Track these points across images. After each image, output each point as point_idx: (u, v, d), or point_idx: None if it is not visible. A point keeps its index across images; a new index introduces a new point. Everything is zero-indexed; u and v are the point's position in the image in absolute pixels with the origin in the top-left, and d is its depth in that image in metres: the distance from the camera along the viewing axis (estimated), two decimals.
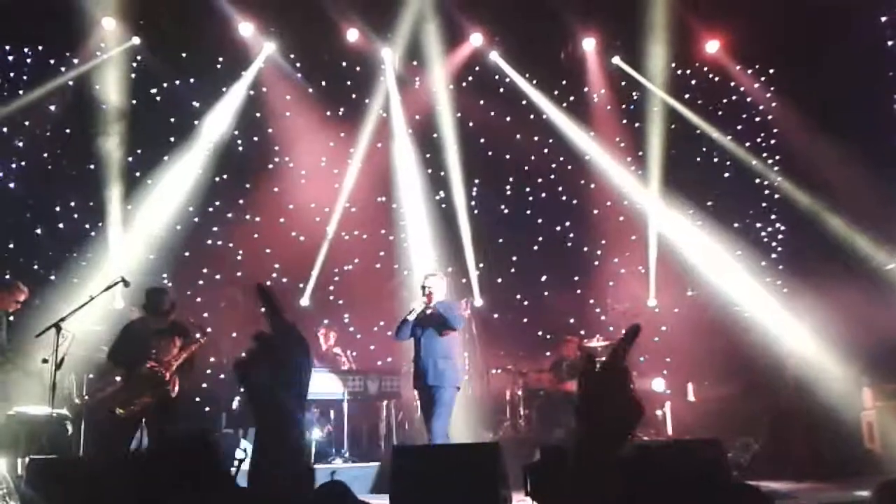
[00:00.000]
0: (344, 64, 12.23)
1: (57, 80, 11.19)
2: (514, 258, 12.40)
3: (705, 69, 12.70)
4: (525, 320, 12.08)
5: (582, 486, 1.46)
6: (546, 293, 12.36)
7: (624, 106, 12.74)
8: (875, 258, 10.74)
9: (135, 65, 11.54)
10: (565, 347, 10.52)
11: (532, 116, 12.54)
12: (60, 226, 11.14)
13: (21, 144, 11.21)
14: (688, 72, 12.67)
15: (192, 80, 11.81)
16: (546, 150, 12.56)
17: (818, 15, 10.64)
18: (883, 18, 11.57)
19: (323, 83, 12.21)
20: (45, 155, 11.26)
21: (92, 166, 11.08)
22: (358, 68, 12.30)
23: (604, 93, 12.69)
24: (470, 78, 12.54)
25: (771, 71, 12.37)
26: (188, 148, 11.48)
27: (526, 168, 12.61)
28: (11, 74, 11.28)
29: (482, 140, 12.39)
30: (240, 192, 11.82)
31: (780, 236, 12.30)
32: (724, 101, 12.70)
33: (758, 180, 12.30)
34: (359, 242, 11.97)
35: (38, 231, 11.00)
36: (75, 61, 11.30)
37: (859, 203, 10.54)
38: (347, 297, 11.74)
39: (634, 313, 10.64)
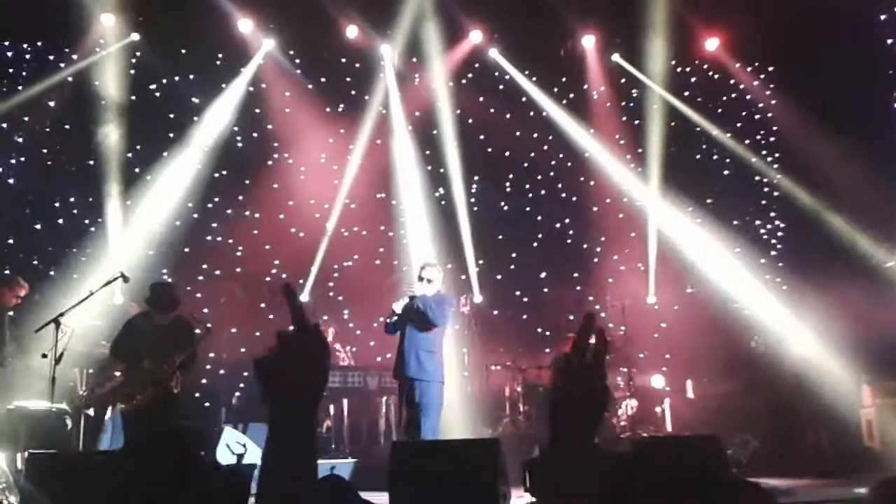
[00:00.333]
0: (343, 60, 12.23)
1: (56, 76, 11.18)
2: (514, 255, 12.41)
3: (705, 67, 12.71)
4: (524, 317, 12.09)
5: (565, 483, 1.46)
6: (545, 290, 12.37)
7: (623, 103, 12.74)
8: (875, 255, 10.74)
9: (134, 61, 11.53)
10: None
11: (532, 113, 12.54)
12: (60, 221, 11.14)
13: (21, 140, 11.21)
14: (687, 69, 12.68)
15: (191, 77, 11.81)
16: (546, 147, 12.57)
17: (817, 13, 10.64)
18: (882, 17, 11.57)
19: (322, 80, 12.20)
20: (45, 151, 11.26)
21: (91, 162, 11.08)
22: (357, 65, 12.30)
23: (603, 90, 12.69)
24: (469, 75, 12.54)
25: (770, 69, 12.38)
26: (187, 144, 11.47)
27: (525, 165, 12.62)
28: (11, 70, 11.27)
29: (482, 137, 12.39)
30: (239, 188, 11.82)
31: (779, 233, 12.31)
32: (724, 98, 12.71)
33: (757, 178, 12.31)
34: (358, 239, 11.98)
35: (38, 226, 10.99)
36: (74, 57, 11.29)
37: (859, 200, 10.53)
38: (347, 294, 11.75)
39: (633, 310, 10.65)
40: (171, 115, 11.64)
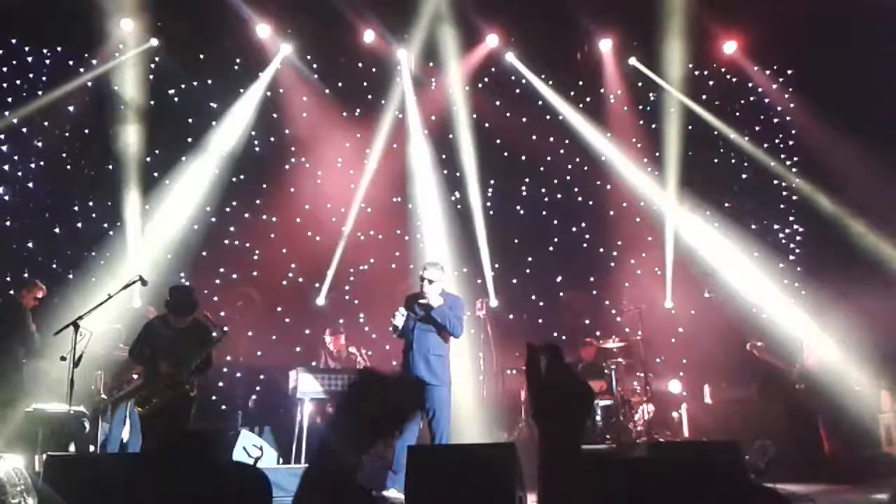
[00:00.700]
0: (360, 65, 12.28)
1: (76, 81, 11.27)
2: (530, 259, 12.38)
3: (723, 70, 12.67)
4: (540, 321, 12.04)
5: (554, 485, 1.45)
6: (561, 294, 12.33)
7: (641, 107, 12.71)
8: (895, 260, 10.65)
9: (153, 66, 11.63)
10: (584, 350, 10.47)
11: (548, 117, 12.53)
12: (79, 225, 11.22)
13: (40, 145, 11.31)
14: (705, 73, 12.64)
15: (209, 81, 11.89)
16: (562, 151, 12.54)
17: (837, 14, 10.55)
18: None
19: (339, 84, 12.24)
20: (64, 155, 11.35)
21: (110, 166, 11.17)
22: (374, 69, 12.34)
23: (620, 94, 12.67)
24: (486, 79, 12.55)
25: (789, 72, 12.31)
26: (205, 148, 11.54)
27: (542, 169, 12.60)
28: (31, 75, 11.38)
29: (498, 141, 12.39)
30: (256, 192, 11.88)
31: (798, 238, 12.22)
32: (742, 101, 12.66)
33: (776, 182, 12.23)
34: (374, 242, 11.99)
35: (57, 230, 11.08)
36: (94, 62, 11.39)
37: (880, 205, 10.44)
38: (363, 297, 11.76)
39: (650, 314, 10.59)
40: (190, 120, 11.73)
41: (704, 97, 12.48)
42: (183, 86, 11.82)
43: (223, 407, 10.41)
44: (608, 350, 10.06)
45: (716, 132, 12.37)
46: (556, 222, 12.59)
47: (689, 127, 12.29)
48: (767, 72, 12.47)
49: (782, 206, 12.35)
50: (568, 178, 12.65)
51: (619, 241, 12.40)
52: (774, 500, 1.91)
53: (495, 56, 12.42)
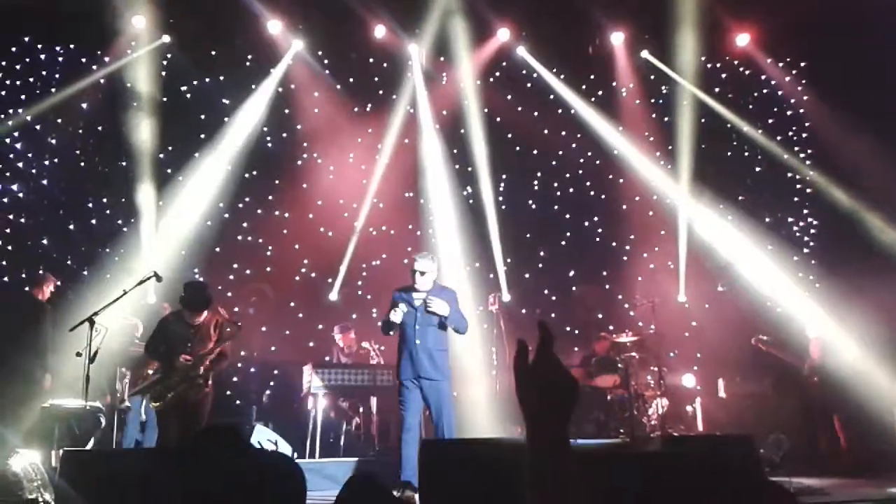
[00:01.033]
0: (371, 60, 12.27)
1: (89, 79, 11.31)
2: (542, 253, 12.37)
3: (735, 63, 12.61)
4: (553, 315, 12.03)
5: (542, 482, 1.44)
6: (574, 288, 12.31)
7: (653, 100, 12.66)
8: None
9: (165, 63, 11.66)
10: (598, 344, 10.45)
11: (560, 111, 12.50)
12: (93, 222, 11.27)
13: (54, 142, 11.37)
14: (717, 65, 12.58)
15: (221, 78, 11.91)
16: (574, 145, 12.51)
17: (849, 6, 10.48)
18: None
19: (350, 80, 12.23)
20: (78, 152, 11.40)
21: (123, 163, 11.21)
22: (385, 64, 12.33)
23: (632, 87, 12.63)
24: (497, 73, 12.53)
25: (803, 64, 12.23)
26: (218, 145, 11.57)
27: (554, 163, 12.58)
28: (44, 73, 11.42)
29: (510, 135, 12.38)
30: (269, 188, 11.90)
31: (812, 231, 12.16)
32: (755, 94, 12.60)
33: (790, 174, 12.17)
34: (386, 238, 12.00)
35: (72, 227, 11.15)
36: (106, 59, 11.42)
37: (894, 196, 10.37)
38: (375, 292, 11.74)
39: (664, 308, 10.56)
40: (202, 117, 11.76)
41: (717, 90, 12.43)
42: (195, 82, 11.84)
43: (237, 402, 10.45)
44: (621, 344, 10.04)
45: (729, 125, 12.32)
46: (568, 216, 12.57)
47: (702, 120, 12.25)
48: (780, 64, 12.41)
49: (796, 198, 12.29)
50: (580, 172, 12.62)
51: (631, 235, 12.37)
52: (783, 497, 1.89)
53: (506, 50, 12.39)
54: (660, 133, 12.47)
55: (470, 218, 11.94)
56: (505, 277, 11.92)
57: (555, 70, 12.49)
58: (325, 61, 12.19)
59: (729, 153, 12.45)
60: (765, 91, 12.58)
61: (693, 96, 12.25)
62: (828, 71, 11.41)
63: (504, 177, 12.40)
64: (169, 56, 11.67)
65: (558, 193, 12.61)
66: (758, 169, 12.41)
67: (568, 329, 11.80)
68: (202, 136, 11.60)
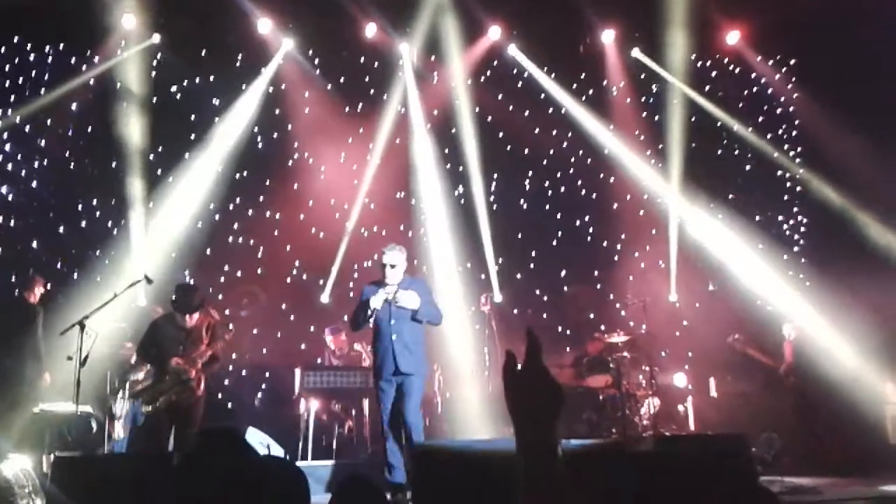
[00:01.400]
0: (362, 59, 12.22)
1: (78, 79, 11.24)
2: (534, 253, 12.36)
3: (726, 61, 12.63)
4: (545, 315, 12.04)
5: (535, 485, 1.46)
6: (566, 288, 12.32)
7: (643, 99, 12.67)
8: None
9: (155, 62, 11.60)
10: (591, 345, 10.44)
11: (551, 110, 12.49)
12: (83, 224, 11.22)
13: (43, 143, 11.30)
14: (708, 63, 12.61)
15: (211, 78, 11.85)
16: (565, 144, 12.52)
17: (840, 3, 10.50)
18: None
19: (341, 79, 12.19)
20: (67, 154, 11.34)
21: (114, 164, 11.15)
22: (376, 64, 12.28)
23: (623, 85, 12.62)
24: (488, 72, 12.50)
25: (793, 61, 12.26)
26: (209, 145, 11.52)
27: (545, 162, 12.56)
28: (33, 73, 11.35)
29: (501, 134, 12.36)
30: (260, 188, 11.85)
31: (802, 229, 12.20)
32: (745, 92, 12.62)
33: (780, 172, 12.21)
34: (378, 238, 11.93)
35: (61, 230, 11.08)
36: (96, 59, 11.35)
37: (887, 196, 10.40)
38: None
39: (655, 308, 10.58)
40: (193, 117, 11.70)
41: (707, 88, 12.44)
42: (185, 82, 11.78)
43: (229, 404, 10.42)
44: (613, 344, 10.05)
45: (719, 123, 12.34)
46: (559, 216, 12.56)
47: (692, 118, 12.26)
48: (770, 62, 12.43)
49: (786, 196, 12.32)
50: (571, 171, 12.61)
51: (622, 234, 12.38)
52: (766, 498, 1.92)
53: (497, 49, 12.37)
54: (650, 132, 12.49)
55: (461, 218, 11.92)
56: (497, 278, 11.91)
57: (546, 68, 12.47)
58: (316, 60, 12.14)
59: (719, 151, 12.48)
60: (755, 89, 12.61)
61: (683, 94, 12.27)
62: (818, 68, 11.44)
63: (495, 176, 12.39)
64: (159, 56, 11.60)
65: (549, 193, 12.60)
66: (748, 167, 12.45)
67: (560, 329, 11.81)
68: (192, 136, 11.54)
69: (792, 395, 9.63)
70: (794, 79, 12.27)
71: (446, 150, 12.21)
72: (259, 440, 8.20)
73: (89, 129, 11.42)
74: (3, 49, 11.24)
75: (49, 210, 11.12)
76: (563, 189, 12.58)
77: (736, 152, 12.42)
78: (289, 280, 11.60)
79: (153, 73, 11.52)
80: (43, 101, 11.08)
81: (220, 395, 10.21)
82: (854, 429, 8.87)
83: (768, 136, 12.27)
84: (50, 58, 11.48)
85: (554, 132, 12.48)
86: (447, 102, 12.28)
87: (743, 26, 12.16)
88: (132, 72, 11.36)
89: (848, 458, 8.54)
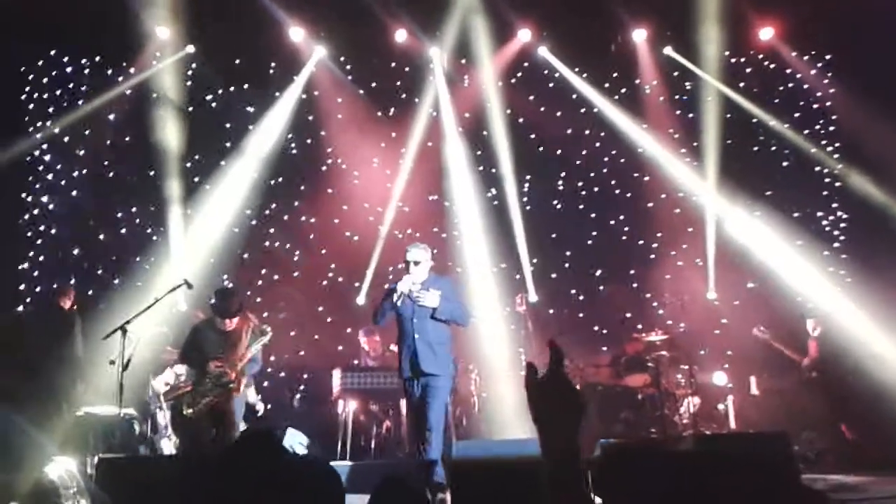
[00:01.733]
0: (393, 65, 12.30)
1: (115, 90, 11.47)
2: (568, 253, 12.30)
3: (760, 57, 12.47)
4: (581, 315, 11.98)
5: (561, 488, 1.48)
6: (601, 287, 12.25)
7: (677, 97, 12.55)
8: None
9: (190, 72, 11.78)
10: (629, 345, 10.34)
11: (583, 110, 12.44)
12: (123, 231, 11.42)
13: (82, 153, 11.52)
14: (742, 60, 12.45)
15: (245, 86, 12.01)
16: (598, 144, 12.45)
17: None
18: None
19: (373, 84, 12.29)
20: (106, 163, 11.56)
21: (151, 172, 11.33)
22: (407, 69, 12.36)
23: (656, 84, 12.52)
24: (519, 74, 12.50)
25: (828, 56, 12.09)
26: (244, 152, 11.68)
27: (578, 162, 12.52)
28: (70, 85, 11.59)
29: (533, 136, 12.34)
30: (295, 194, 12.00)
31: (842, 225, 12.00)
32: (781, 88, 12.45)
33: (818, 168, 12.02)
34: (412, 241, 11.94)
35: (102, 237, 11.29)
36: (132, 70, 11.56)
37: None
38: None
39: (693, 306, 10.48)
40: (228, 125, 11.86)
41: (742, 85, 12.30)
42: (220, 91, 11.96)
43: (268, 406, 10.51)
44: (651, 343, 9.96)
45: (755, 120, 12.19)
46: (593, 216, 12.49)
47: (727, 115, 12.12)
48: (805, 57, 12.26)
49: (825, 192, 12.13)
50: (605, 170, 12.54)
51: (658, 232, 12.27)
52: (815, 498, 1.91)
53: (528, 50, 12.36)
54: (685, 130, 12.37)
55: (495, 219, 11.93)
56: (532, 278, 11.89)
57: (577, 69, 12.43)
58: (348, 67, 12.25)
59: (755, 148, 12.31)
60: (790, 84, 12.43)
61: (718, 92, 12.14)
62: (854, 62, 11.26)
63: (528, 177, 12.36)
64: (193, 66, 11.78)
65: (583, 193, 12.54)
66: (785, 163, 12.27)
67: (596, 328, 11.74)
68: (228, 143, 11.72)
69: (815, 391, 9.47)
70: (830, 73, 12.08)
71: (478, 153, 12.24)
72: (298, 440, 8.27)
73: (127, 139, 11.62)
74: (40, 63, 11.49)
75: (89, 218, 11.33)
76: (596, 188, 12.51)
77: (773, 148, 12.24)
78: (325, 283, 11.70)
79: (188, 82, 11.71)
80: (81, 113, 11.32)
81: (259, 396, 10.30)
82: (884, 426, 8.67)
83: (805, 132, 12.09)
84: (87, 70, 11.71)
85: (586, 132, 12.43)
86: (478, 105, 12.30)
87: (776, 22, 12.01)
88: (168, 82, 11.57)
89: (888, 456, 8.36)
